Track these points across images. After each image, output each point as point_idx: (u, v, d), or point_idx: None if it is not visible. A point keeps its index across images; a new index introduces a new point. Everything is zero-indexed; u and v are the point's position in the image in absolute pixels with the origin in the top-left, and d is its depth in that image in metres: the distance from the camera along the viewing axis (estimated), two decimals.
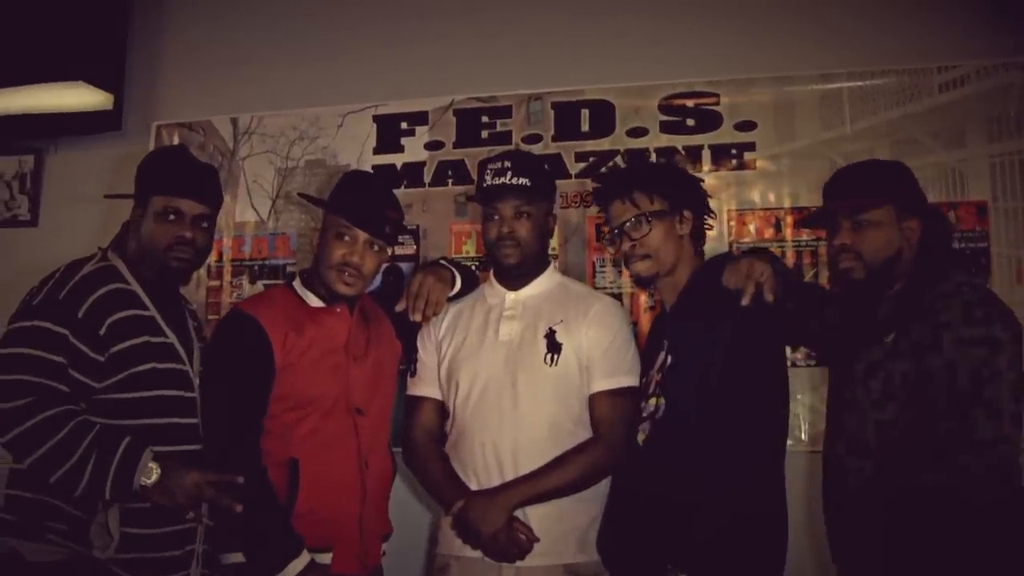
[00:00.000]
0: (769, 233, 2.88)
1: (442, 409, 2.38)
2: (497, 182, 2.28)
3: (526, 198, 2.29)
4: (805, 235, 2.88)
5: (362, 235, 2.20)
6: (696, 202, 2.28)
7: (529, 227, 2.30)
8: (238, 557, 2.11)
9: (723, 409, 2.05)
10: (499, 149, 2.86)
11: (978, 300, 1.92)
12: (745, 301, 2.01)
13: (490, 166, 2.33)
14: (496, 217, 2.31)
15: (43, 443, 1.95)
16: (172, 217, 2.19)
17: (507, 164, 2.29)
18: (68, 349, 2.02)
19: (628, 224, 2.22)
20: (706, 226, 2.31)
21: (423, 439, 2.36)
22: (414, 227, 3.17)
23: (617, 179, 2.31)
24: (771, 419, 2.13)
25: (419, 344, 2.43)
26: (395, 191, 2.92)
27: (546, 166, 2.62)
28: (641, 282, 2.32)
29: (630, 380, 2.26)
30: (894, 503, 1.93)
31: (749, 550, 2.03)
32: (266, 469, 2.08)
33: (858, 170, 2.15)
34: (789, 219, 2.90)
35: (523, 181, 2.27)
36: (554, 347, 2.25)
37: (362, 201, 2.23)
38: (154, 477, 2.00)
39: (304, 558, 2.03)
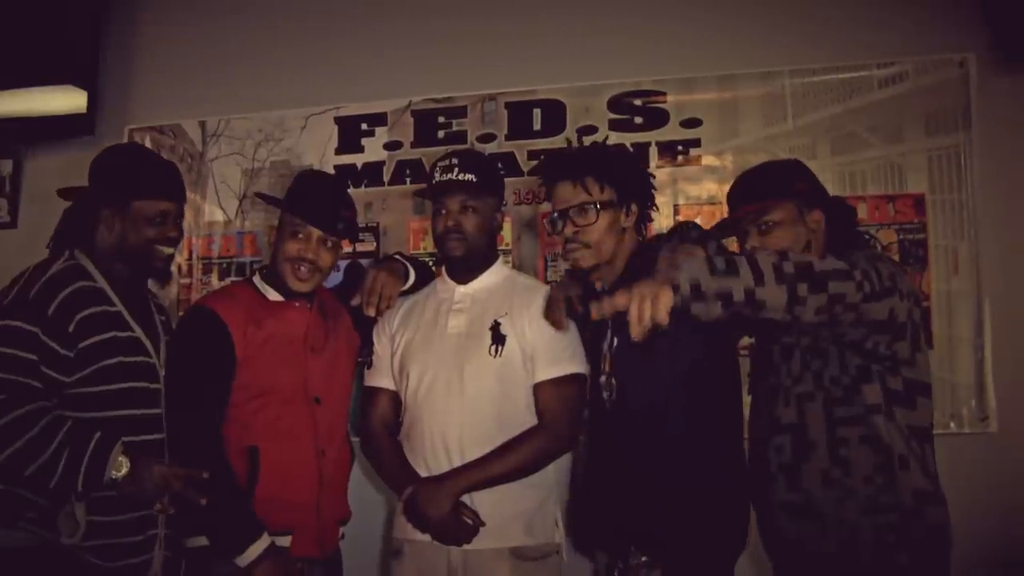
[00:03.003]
0: None
1: (397, 399, 2.42)
2: (444, 178, 2.33)
3: (472, 193, 2.33)
4: None
5: (315, 232, 2.26)
6: (644, 196, 2.28)
7: (475, 221, 2.34)
8: (202, 540, 2.17)
9: (674, 394, 2.09)
10: (455, 148, 2.88)
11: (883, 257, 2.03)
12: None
13: (439, 163, 2.38)
14: (443, 211, 2.35)
15: (18, 439, 2.00)
16: (158, 220, 2.26)
17: (454, 161, 2.34)
18: (39, 347, 2.06)
19: (574, 209, 2.21)
20: (648, 219, 2.32)
21: (378, 429, 2.41)
22: (374, 225, 3.23)
23: (571, 160, 2.26)
24: (723, 403, 2.17)
25: (375, 337, 2.47)
26: (355, 190, 3.02)
27: (499, 164, 2.68)
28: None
29: (573, 367, 2.30)
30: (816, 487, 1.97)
31: (704, 531, 2.08)
32: (227, 456, 2.14)
33: (754, 175, 2.18)
34: None
35: (469, 177, 2.31)
36: (498, 339, 2.30)
37: (315, 200, 2.29)
38: (124, 470, 2.05)
39: (264, 541, 2.10)
